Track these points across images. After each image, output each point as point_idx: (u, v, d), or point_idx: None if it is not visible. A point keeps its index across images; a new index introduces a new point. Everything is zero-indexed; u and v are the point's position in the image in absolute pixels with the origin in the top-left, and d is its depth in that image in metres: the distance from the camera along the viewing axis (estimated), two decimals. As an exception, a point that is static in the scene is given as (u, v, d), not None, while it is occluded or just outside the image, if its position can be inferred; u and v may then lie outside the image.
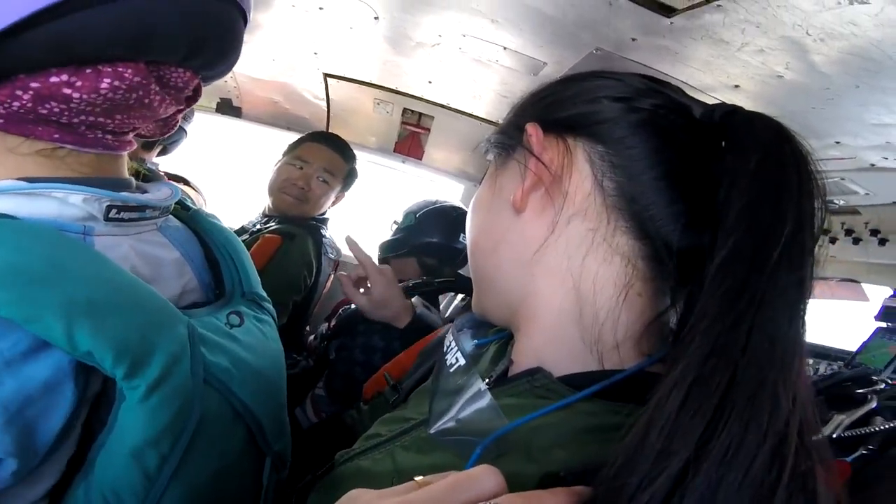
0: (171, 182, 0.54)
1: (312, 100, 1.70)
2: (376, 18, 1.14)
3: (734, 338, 0.26)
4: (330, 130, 1.79)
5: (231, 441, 0.45)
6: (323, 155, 1.49)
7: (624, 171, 0.37)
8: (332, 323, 1.38)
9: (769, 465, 0.23)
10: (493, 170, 0.44)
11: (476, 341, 0.50)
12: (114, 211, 0.42)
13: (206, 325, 0.45)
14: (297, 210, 1.47)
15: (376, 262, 1.52)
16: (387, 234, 1.49)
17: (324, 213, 1.56)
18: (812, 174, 0.31)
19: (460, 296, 1.72)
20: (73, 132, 0.40)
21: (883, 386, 0.84)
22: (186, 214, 0.57)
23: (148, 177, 0.54)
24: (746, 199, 0.30)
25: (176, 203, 0.54)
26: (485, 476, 0.25)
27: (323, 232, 1.52)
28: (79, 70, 0.36)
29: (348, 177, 1.56)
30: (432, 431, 0.37)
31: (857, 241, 1.33)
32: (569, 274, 0.37)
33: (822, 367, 1.45)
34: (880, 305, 1.45)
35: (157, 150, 1.41)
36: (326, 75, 1.53)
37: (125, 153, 0.47)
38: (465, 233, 1.40)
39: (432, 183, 1.92)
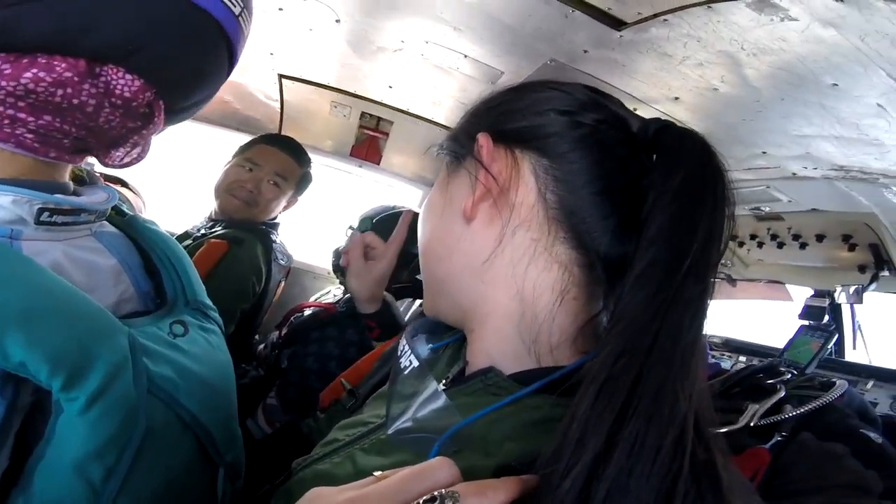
0: (108, 185, 0.51)
1: (265, 100, 1.66)
2: (338, 21, 1.14)
3: (642, 340, 0.29)
4: (283, 132, 1.74)
5: (180, 452, 0.43)
6: (275, 158, 1.44)
7: (565, 185, 0.39)
8: (284, 331, 1.34)
9: (672, 454, 0.26)
10: (444, 175, 0.46)
11: (431, 346, 0.51)
12: (45, 214, 0.40)
13: (148, 335, 0.43)
14: (245, 214, 1.40)
15: (330, 267, 1.50)
16: (342, 239, 1.47)
17: (274, 218, 1.51)
18: (725, 191, 0.34)
19: (418, 301, 1.71)
20: None
21: (789, 376, 0.92)
22: (122, 220, 0.54)
23: (82, 178, 0.51)
24: (668, 214, 0.33)
25: (111, 209, 0.51)
26: (440, 467, 0.27)
27: (273, 237, 1.46)
28: (17, 58, 0.34)
29: (301, 181, 1.51)
30: (390, 432, 0.38)
31: (781, 245, 1.46)
32: (513, 280, 0.40)
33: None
34: (803, 305, 1.59)
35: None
36: (281, 76, 1.50)
37: (61, 163, 0.43)
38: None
39: (390, 188, 1.91)
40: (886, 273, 1.31)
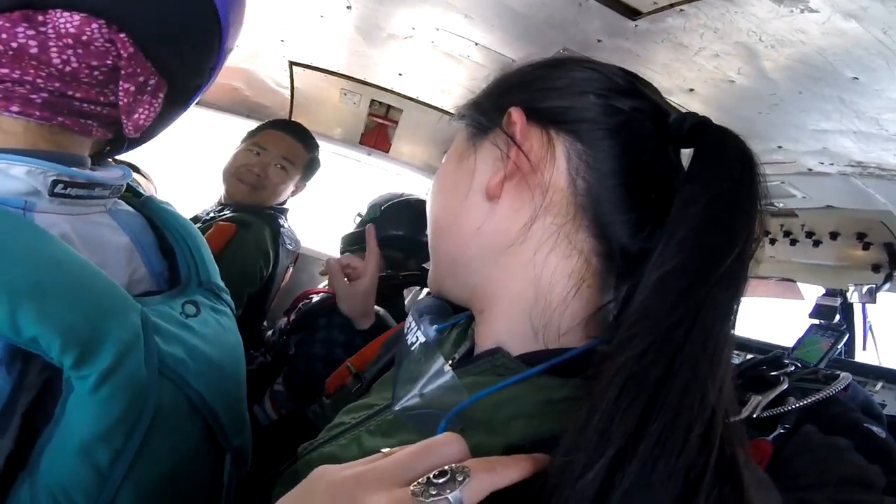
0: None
1: (275, 87, 1.65)
2: (349, 8, 1.13)
3: (672, 338, 0.28)
4: (293, 119, 1.75)
5: (188, 435, 0.43)
6: (282, 142, 1.43)
7: (596, 172, 0.38)
8: (291, 317, 1.35)
9: (698, 449, 0.26)
10: (461, 147, 0.44)
11: (437, 326, 0.50)
12: (59, 186, 0.39)
13: (160, 313, 0.43)
14: (252, 198, 1.40)
15: (338, 254, 1.50)
16: (350, 226, 1.47)
17: (282, 203, 1.51)
18: (763, 197, 0.33)
19: (426, 290, 1.72)
20: None
21: (793, 368, 0.91)
22: (138, 201, 0.54)
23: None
24: (703, 217, 0.31)
25: (127, 190, 0.51)
26: (449, 442, 0.27)
27: (281, 222, 1.46)
28: None
29: (309, 166, 1.51)
30: (397, 408, 0.38)
31: (794, 242, 1.44)
32: (532, 266, 0.38)
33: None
34: (814, 303, 1.57)
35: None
36: (292, 63, 1.50)
37: (77, 136, 0.43)
38: (431, 225, 1.41)
39: (398, 176, 1.91)
40: (901, 273, 1.28)
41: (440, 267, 0.45)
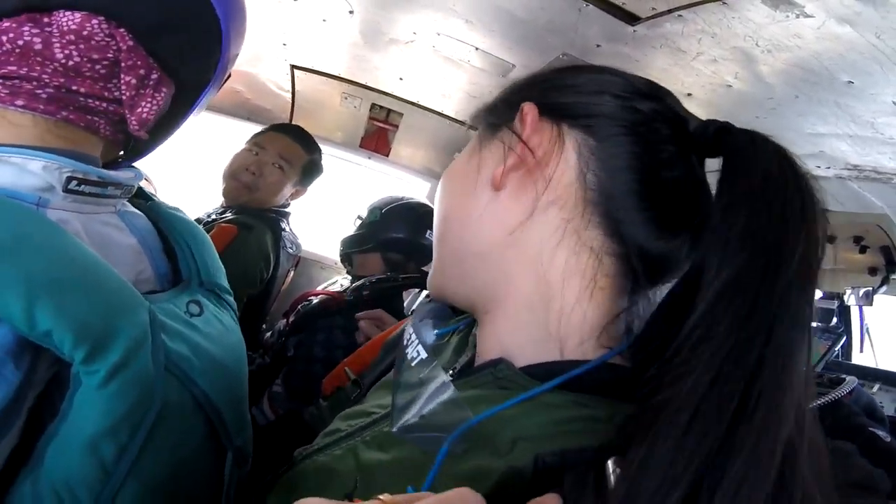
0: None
1: (276, 91, 1.66)
2: (351, 13, 1.14)
3: (745, 361, 0.25)
4: (293, 122, 1.75)
5: (191, 433, 0.43)
6: (281, 142, 1.43)
7: (608, 168, 0.37)
8: (291, 319, 1.35)
9: (778, 489, 0.23)
10: (474, 144, 0.44)
11: (437, 331, 0.49)
12: (73, 183, 0.40)
13: (166, 311, 0.43)
14: (248, 197, 1.40)
15: (337, 257, 1.51)
16: (350, 229, 1.48)
17: (284, 206, 1.51)
18: (812, 190, 0.31)
19: (425, 292, 1.72)
20: None
21: None
22: (146, 205, 0.55)
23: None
24: (750, 221, 0.29)
25: (137, 195, 0.52)
26: (466, 500, 0.23)
27: (283, 225, 1.47)
28: None
29: (308, 168, 1.50)
30: (395, 429, 0.36)
31: (791, 245, 1.44)
32: (539, 261, 0.38)
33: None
34: (811, 306, 1.57)
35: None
36: (293, 67, 1.51)
37: (92, 135, 0.44)
38: (431, 230, 1.41)
39: (398, 180, 1.92)
40: (897, 276, 1.29)
41: (445, 264, 0.44)
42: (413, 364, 0.41)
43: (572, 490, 0.24)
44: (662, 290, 0.38)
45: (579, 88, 0.39)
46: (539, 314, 0.37)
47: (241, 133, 1.59)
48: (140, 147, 0.52)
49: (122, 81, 0.42)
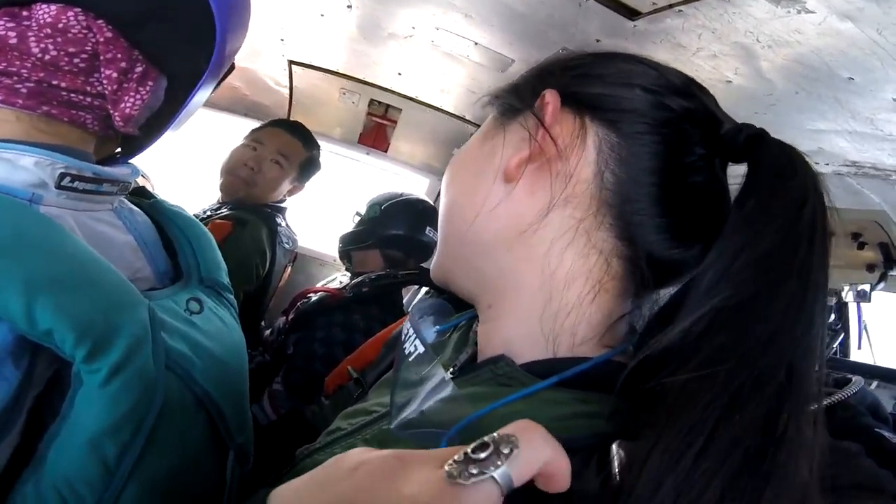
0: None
1: (274, 87, 1.65)
2: (349, 7, 1.13)
3: (776, 367, 0.25)
4: (292, 119, 1.75)
5: (193, 431, 0.43)
6: (279, 138, 1.43)
7: (629, 168, 0.35)
8: (290, 316, 1.35)
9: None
10: (488, 128, 0.41)
11: (438, 327, 0.48)
12: (67, 179, 0.39)
13: (165, 309, 0.43)
14: (246, 193, 1.40)
15: (336, 254, 1.50)
16: (348, 225, 1.47)
17: (281, 201, 1.50)
18: (828, 227, 0.30)
19: (424, 289, 1.72)
20: None
21: None
22: (147, 203, 0.54)
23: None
24: (777, 238, 0.29)
25: (138, 193, 0.51)
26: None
27: (279, 220, 1.46)
28: None
29: (306, 165, 1.49)
30: (394, 426, 0.35)
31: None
32: (547, 260, 0.36)
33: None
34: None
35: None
36: (291, 62, 1.50)
37: (83, 132, 0.43)
38: (430, 226, 1.42)
39: (397, 176, 1.91)
40: (895, 272, 1.29)
41: (450, 251, 0.43)
42: (411, 360, 0.41)
43: (575, 472, 0.23)
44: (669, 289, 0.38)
45: (608, 79, 0.37)
46: (543, 312, 0.37)
47: (238, 129, 1.58)
48: (137, 143, 0.51)
49: (103, 75, 0.41)
